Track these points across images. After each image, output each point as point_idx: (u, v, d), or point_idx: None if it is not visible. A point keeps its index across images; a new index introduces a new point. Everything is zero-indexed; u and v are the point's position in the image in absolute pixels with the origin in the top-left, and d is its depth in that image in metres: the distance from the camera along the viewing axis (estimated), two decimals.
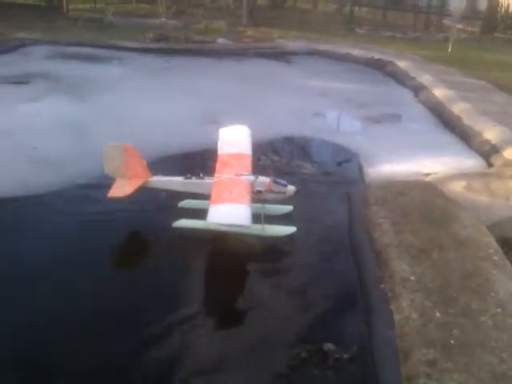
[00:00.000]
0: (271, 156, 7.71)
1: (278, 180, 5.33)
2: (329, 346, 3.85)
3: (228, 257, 5.04)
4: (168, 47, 15.33)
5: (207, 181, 5.26)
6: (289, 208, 5.70)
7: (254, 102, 10.41)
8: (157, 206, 5.73)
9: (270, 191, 5.26)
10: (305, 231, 5.46)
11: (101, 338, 3.88)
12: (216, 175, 5.27)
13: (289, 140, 8.51)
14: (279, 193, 5.33)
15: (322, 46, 16.97)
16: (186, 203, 5.59)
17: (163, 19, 18.59)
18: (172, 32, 16.78)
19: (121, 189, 5.07)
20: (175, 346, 3.85)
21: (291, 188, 5.42)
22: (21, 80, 10.70)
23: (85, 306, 4.21)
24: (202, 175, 5.34)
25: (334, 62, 15.63)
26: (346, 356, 3.81)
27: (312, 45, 17.25)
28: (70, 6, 19.51)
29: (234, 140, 5.97)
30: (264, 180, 5.26)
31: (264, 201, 5.28)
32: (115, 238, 5.26)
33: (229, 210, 4.64)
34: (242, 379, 3.65)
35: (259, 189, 5.17)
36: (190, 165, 6.37)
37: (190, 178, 5.32)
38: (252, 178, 5.23)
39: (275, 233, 5.23)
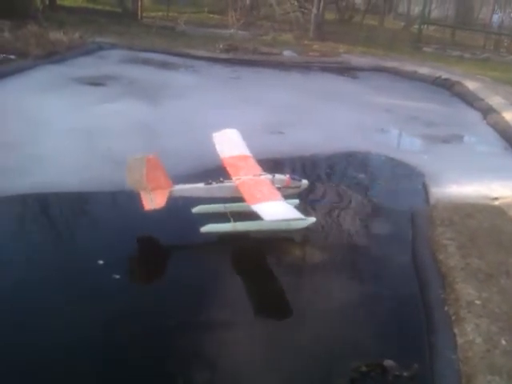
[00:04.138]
0: (332, 170, 7.82)
1: (293, 176, 5.65)
2: (389, 363, 3.84)
3: (284, 261, 5.17)
4: (236, 57, 15.67)
5: (228, 184, 5.35)
6: (296, 202, 5.84)
7: (318, 115, 10.50)
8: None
9: (288, 187, 5.51)
10: (367, 246, 5.50)
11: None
12: (235, 178, 5.37)
13: (352, 155, 8.49)
14: (295, 187, 5.65)
15: (389, 63, 16.85)
16: (199, 209, 5.57)
17: (233, 30, 18.99)
18: (241, 43, 17.12)
19: (153, 201, 5.02)
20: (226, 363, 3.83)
21: (305, 182, 5.77)
22: (97, 82, 11.22)
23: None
24: (222, 179, 5.41)
25: (401, 80, 15.51)
26: (405, 374, 3.78)
27: (378, 61, 17.17)
28: (144, 14, 20.24)
29: (231, 143, 6.12)
30: (281, 177, 5.52)
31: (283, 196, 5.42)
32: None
33: (276, 208, 4.76)
34: None
35: (278, 186, 5.36)
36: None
37: (211, 183, 5.36)
38: (270, 176, 5.43)
39: (299, 225, 5.33)
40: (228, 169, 5.59)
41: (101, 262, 4.71)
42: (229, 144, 6.10)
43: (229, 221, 5.24)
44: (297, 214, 4.70)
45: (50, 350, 3.70)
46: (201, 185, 5.35)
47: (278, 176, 5.52)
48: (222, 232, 5.28)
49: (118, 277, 4.55)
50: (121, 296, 4.41)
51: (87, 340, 3.81)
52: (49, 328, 3.88)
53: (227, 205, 5.43)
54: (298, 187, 5.72)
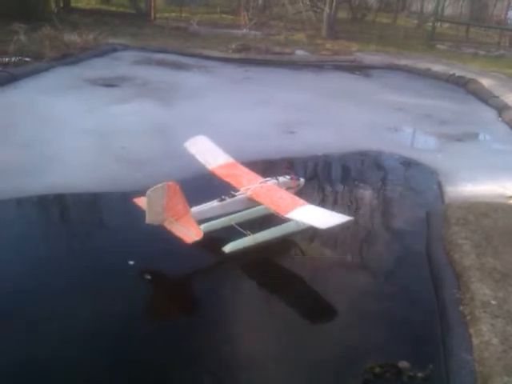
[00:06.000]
0: (344, 168, 7.82)
1: (294, 176, 5.67)
2: (404, 364, 3.82)
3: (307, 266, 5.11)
4: (249, 57, 15.66)
5: (240, 196, 5.13)
6: None
7: (330, 114, 10.47)
8: None
9: (292, 188, 5.49)
10: (381, 245, 5.48)
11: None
12: (242, 189, 5.18)
13: (364, 154, 8.44)
14: (296, 187, 5.66)
15: (402, 61, 16.73)
16: (205, 227, 5.00)
17: (245, 30, 19.00)
18: (253, 43, 17.12)
19: (190, 232, 4.58)
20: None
21: (302, 180, 5.80)
22: (111, 83, 11.30)
23: None
24: (233, 193, 5.16)
25: (414, 78, 15.40)
26: (420, 375, 3.76)
27: (391, 59, 17.05)
28: (157, 14, 20.36)
29: (210, 151, 5.91)
30: (285, 180, 5.50)
31: None
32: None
33: (316, 213, 4.67)
34: None
35: (284, 188, 5.33)
36: (264, 171, 6.36)
37: (225, 199, 5.08)
38: (275, 181, 5.37)
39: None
40: (227, 180, 5.37)
41: (131, 262, 4.69)
42: (209, 153, 5.85)
43: (246, 234, 5.04)
44: (343, 217, 4.62)
45: None
46: (215, 202, 5.04)
47: (281, 179, 5.46)
48: (244, 248, 4.99)
49: (149, 277, 4.58)
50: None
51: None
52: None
53: (232, 217, 5.23)
54: (298, 186, 5.70)
